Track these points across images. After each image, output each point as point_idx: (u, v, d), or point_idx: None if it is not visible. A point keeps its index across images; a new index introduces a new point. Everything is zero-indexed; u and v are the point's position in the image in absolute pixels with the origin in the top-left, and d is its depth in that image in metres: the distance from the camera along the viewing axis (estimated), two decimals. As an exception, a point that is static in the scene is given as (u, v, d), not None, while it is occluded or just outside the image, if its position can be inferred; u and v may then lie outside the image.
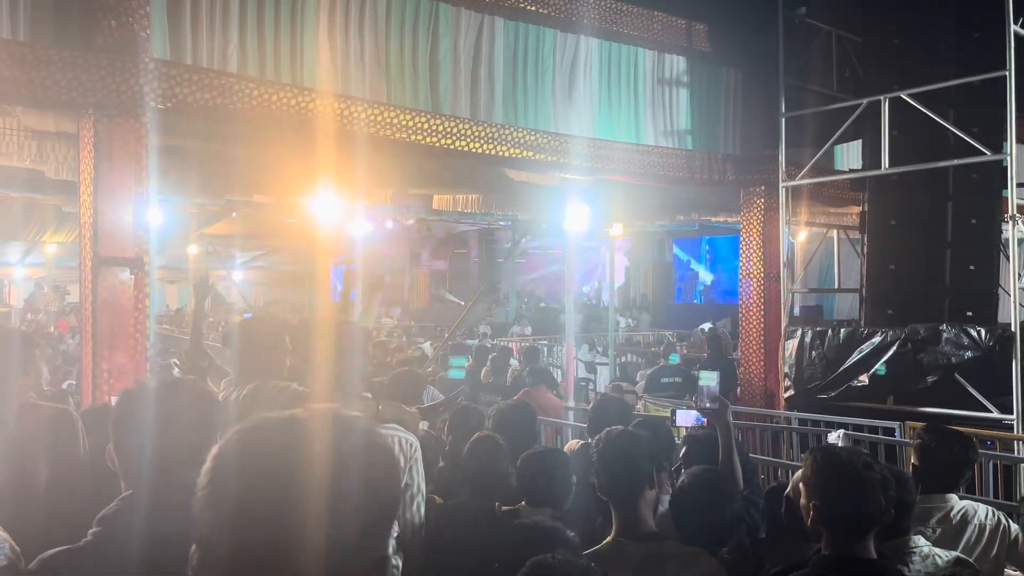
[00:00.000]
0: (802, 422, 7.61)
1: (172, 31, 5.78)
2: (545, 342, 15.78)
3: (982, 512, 3.02)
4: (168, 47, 5.74)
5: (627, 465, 2.44)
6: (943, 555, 2.53)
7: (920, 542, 2.55)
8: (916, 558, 2.49)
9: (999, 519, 3.02)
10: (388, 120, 6.68)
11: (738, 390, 9.44)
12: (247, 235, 19.10)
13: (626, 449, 2.47)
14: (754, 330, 9.30)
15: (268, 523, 0.88)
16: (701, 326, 16.82)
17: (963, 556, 2.62)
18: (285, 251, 22.87)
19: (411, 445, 2.72)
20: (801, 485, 2.28)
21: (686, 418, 3.70)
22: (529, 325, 18.92)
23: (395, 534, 2.65)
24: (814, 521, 2.19)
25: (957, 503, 3.04)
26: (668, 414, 5.95)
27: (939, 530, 2.93)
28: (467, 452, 3.12)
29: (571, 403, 9.28)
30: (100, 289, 5.40)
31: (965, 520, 2.98)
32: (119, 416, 1.81)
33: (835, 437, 6.15)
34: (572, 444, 4.09)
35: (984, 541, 2.96)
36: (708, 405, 3.00)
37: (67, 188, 8.88)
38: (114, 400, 1.97)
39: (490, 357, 8.86)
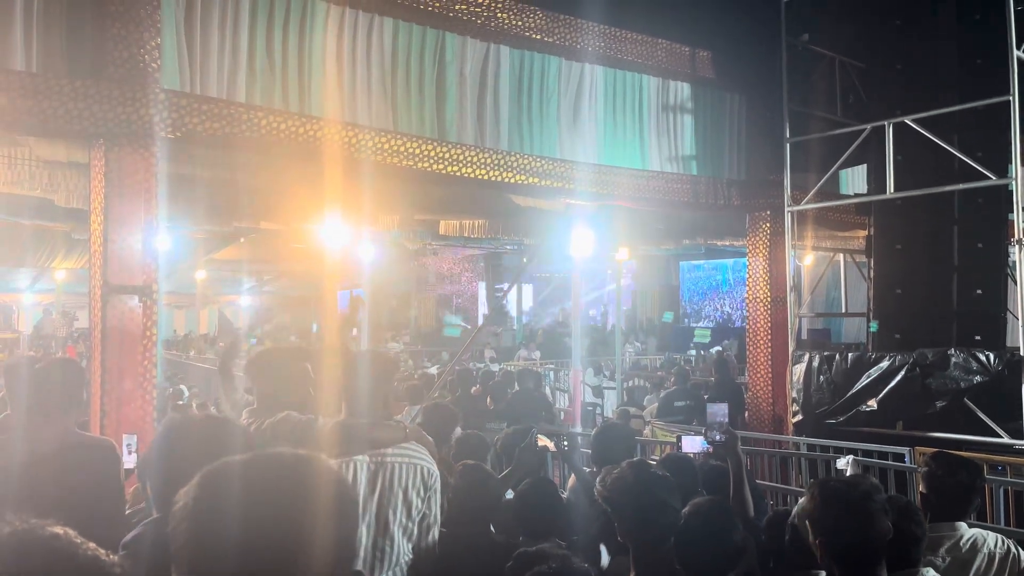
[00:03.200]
0: (811, 447, 7.55)
1: (182, 62, 5.86)
2: (552, 366, 15.77)
3: (991, 540, 2.99)
4: (178, 77, 5.82)
5: (654, 510, 2.32)
6: (953, 586, 2.51)
7: (931, 574, 2.53)
8: (926, 590, 2.47)
9: (1009, 548, 2.98)
10: (395, 147, 6.74)
11: (746, 415, 9.40)
12: (254, 260, 19.20)
13: (654, 495, 2.34)
14: (761, 355, 9.28)
15: (244, 554, 0.98)
16: (711, 349, 16.81)
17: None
18: (292, 276, 22.98)
19: (432, 475, 2.72)
20: (807, 522, 2.27)
21: (692, 444, 3.69)
22: (537, 350, 18.89)
23: (408, 559, 2.65)
24: (823, 556, 2.18)
25: (967, 532, 3.01)
26: (675, 440, 5.93)
27: (948, 559, 2.90)
28: (457, 480, 3.12)
29: (578, 428, 9.26)
30: (109, 316, 5.44)
31: (975, 549, 2.95)
32: (160, 445, 1.96)
33: (844, 463, 6.12)
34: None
35: (994, 570, 2.93)
36: (718, 438, 2.99)
37: (76, 215, 8.97)
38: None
39: (491, 383, 8.84)
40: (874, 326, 7.48)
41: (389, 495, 2.59)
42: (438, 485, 2.72)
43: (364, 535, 2.55)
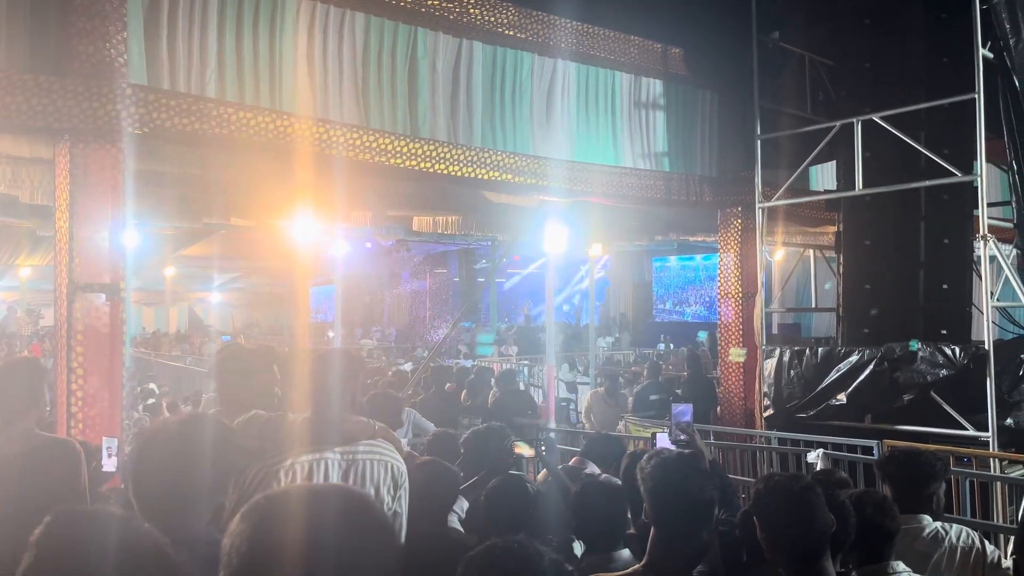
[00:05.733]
0: (782, 441, 7.64)
1: (149, 57, 5.76)
2: (526, 362, 15.78)
3: (954, 533, 3.02)
4: (145, 72, 5.73)
5: (686, 496, 2.31)
6: (920, 580, 2.55)
7: (899, 567, 2.56)
8: (894, 584, 2.51)
9: (973, 541, 3.02)
10: (367, 144, 6.70)
11: (718, 409, 9.48)
12: (225, 256, 18.99)
13: (687, 490, 2.33)
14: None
15: None
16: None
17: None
18: (264, 272, 22.76)
19: (401, 473, 2.72)
20: (754, 518, 2.30)
21: (666, 441, 3.73)
22: (515, 345, 18.88)
23: None
24: (768, 552, 2.21)
25: (929, 524, 3.04)
26: (649, 435, 5.96)
27: (907, 552, 2.93)
28: (414, 475, 3.11)
29: (552, 424, 9.26)
30: (75, 315, 5.34)
31: (936, 541, 2.98)
32: (139, 452, 1.86)
33: (814, 456, 6.20)
34: (545, 474, 4.08)
35: (956, 563, 2.96)
36: (682, 438, 3.06)
37: (41, 212, 8.80)
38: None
39: (467, 379, 8.83)
40: (914, 344, 7.48)
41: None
42: (407, 483, 2.72)
43: None
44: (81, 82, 5.29)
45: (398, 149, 6.87)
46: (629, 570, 2.35)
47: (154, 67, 5.77)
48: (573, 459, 4.21)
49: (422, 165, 7.03)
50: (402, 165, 6.92)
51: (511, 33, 7.61)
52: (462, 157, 7.27)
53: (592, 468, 3.94)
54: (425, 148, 7.04)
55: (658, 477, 2.36)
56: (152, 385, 11.63)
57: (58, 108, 5.19)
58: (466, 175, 7.32)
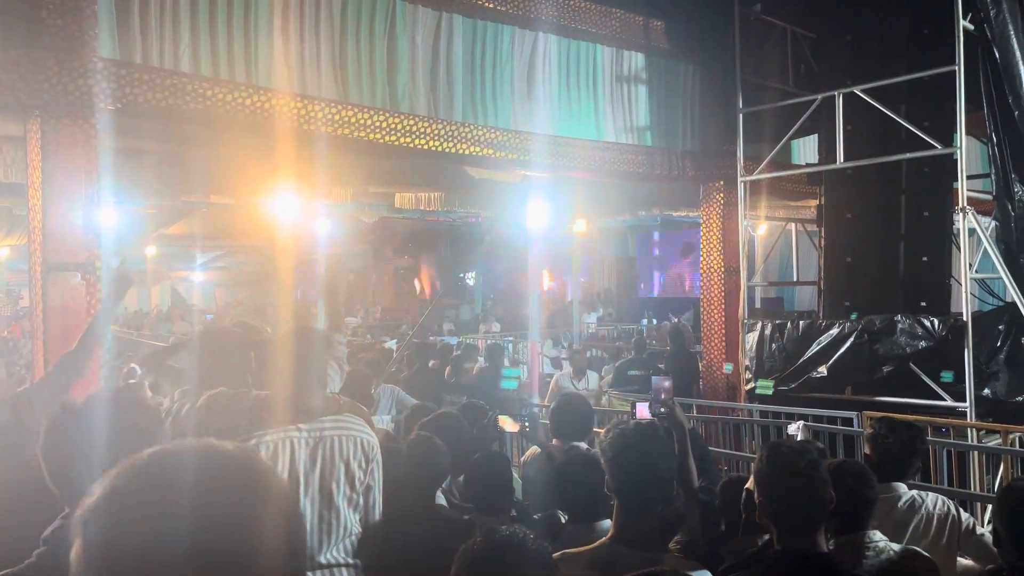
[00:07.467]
0: (763, 414, 7.71)
1: (121, 30, 5.65)
2: (511, 338, 15.81)
3: (930, 501, 3.07)
4: (117, 47, 5.62)
5: (641, 470, 2.30)
6: (897, 548, 2.58)
7: (876, 536, 2.59)
8: (871, 552, 2.54)
9: (949, 509, 3.07)
10: (346, 119, 6.62)
11: (700, 383, 9.53)
12: (207, 235, 18.80)
13: (646, 457, 2.31)
14: (715, 323, 9.39)
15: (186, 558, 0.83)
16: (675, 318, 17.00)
17: (917, 548, 2.66)
18: (246, 251, 22.58)
19: (372, 447, 2.73)
20: (754, 479, 2.31)
21: (646, 411, 3.74)
22: (497, 322, 18.92)
23: (357, 533, 2.66)
24: (761, 516, 2.23)
25: (905, 492, 3.08)
26: (630, 408, 5.99)
27: (885, 520, 2.97)
28: (407, 449, 3.11)
29: (536, 399, 9.29)
30: (50, 294, 5.28)
31: (912, 509, 3.03)
32: (48, 440, 1.77)
33: (794, 428, 6.25)
34: (534, 451, 4.08)
35: (933, 530, 3.01)
36: (662, 410, 3.06)
37: (18, 190, 8.65)
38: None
39: (452, 356, 8.83)
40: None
41: (331, 468, 2.59)
42: (379, 456, 2.72)
43: (308, 509, 2.54)
44: (51, 56, 5.18)
45: (378, 124, 6.79)
46: (596, 544, 2.35)
47: (126, 41, 5.66)
48: (555, 440, 4.19)
49: (402, 140, 6.96)
50: (382, 140, 6.85)
51: (491, 6, 7.52)
52: (443, 132, 7.21)
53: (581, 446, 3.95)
54: (405, 123, 6.97)
55: (617, 447, 2.36)
56: (134, 365, 11.53)
57: (28, 83, 5.09)
58: (447, 150, 7.26)
